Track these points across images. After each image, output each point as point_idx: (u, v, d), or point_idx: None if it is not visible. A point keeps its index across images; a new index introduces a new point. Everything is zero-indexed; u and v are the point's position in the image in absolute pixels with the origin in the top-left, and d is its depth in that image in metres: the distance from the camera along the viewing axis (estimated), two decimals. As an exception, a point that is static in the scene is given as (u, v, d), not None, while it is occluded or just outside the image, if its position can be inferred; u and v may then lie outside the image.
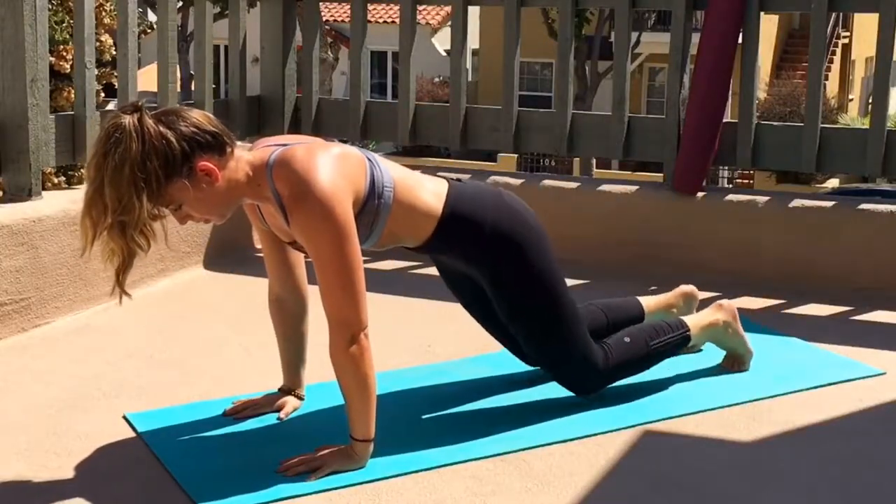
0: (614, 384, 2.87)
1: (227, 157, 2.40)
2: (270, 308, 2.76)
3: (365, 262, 4.19)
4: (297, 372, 2.79)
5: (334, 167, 2.41)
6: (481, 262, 2.69)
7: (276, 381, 2.82)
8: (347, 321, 2.40)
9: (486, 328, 2.95)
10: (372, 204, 2.51)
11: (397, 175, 2.58)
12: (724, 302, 3.08)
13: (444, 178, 2.71)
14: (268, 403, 2.76)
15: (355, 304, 2.40)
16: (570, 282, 4.00)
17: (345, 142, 2.56)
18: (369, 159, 2.54)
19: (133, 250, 2.37)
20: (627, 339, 2.86)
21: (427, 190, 2.62)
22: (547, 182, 4.36)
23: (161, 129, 2.31)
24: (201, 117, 2.39)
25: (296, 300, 2.73)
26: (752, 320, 3.41)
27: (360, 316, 2.41)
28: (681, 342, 2.95)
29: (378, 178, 2.51)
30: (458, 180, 2.71)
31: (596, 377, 2.81)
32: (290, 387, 2.79)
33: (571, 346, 2.75)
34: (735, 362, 3.09)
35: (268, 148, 2.49)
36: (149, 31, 20.90)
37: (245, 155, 2.46)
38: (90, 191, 2.31)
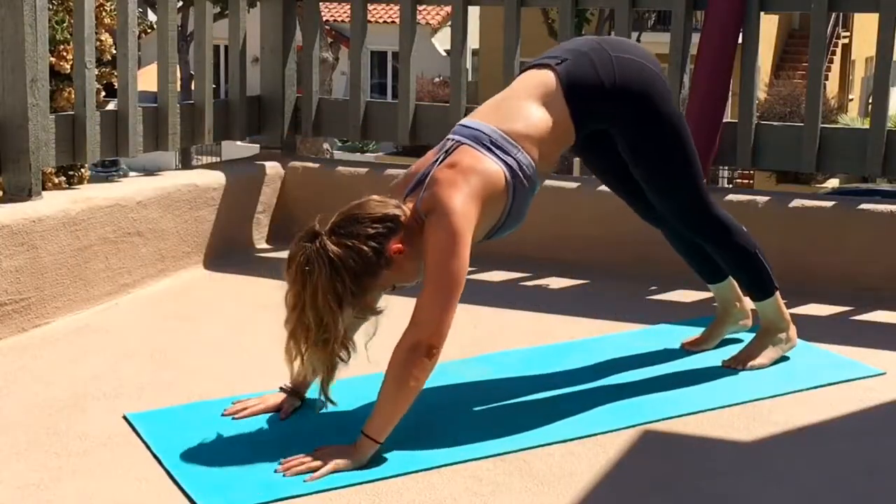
0: (612, 383, 2.87)
1: (404, 224, 2.54)
2: None
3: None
4: (310, 379, 2.79)
5: (470, 187, 2.55)
6: (615, 117, 2.81)
7: (275, 381, 2.82)
8: (425, 327, 2.47)
9: (610, 184, 3.11)
10: (519, 180, 2.65)
11: (519, 128, 2.68)
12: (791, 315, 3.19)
13: (547, 65, 2.78)
14: (268, 403, 2.76)
15: (440, 319, 2.48)
16: (569, 282, 4.04)
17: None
18: (491, 147, 2.63)
19: (335, 364, 2.54)
20: (745, 229, 3.04)
21: (544, 106, 2.72)
22: (547, 182, 4.35)
23: (346, 242, 2.46)
24: (376, 207, 2.53)
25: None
26: (752, 321, 3.41)
27: (440, 330, 2.48)
28: (769, 283, 3.07)
29: (512, 162, 2.64)
30: (562, 61, 2.78)
31: (704, 210, 2.95)
32: (294, 387, 2.79)
33: (693, 178, 2.90)
34: (745, 361, 3.09)
35: (416, 192, 2.61)
36: (149, 31, 20.90)
37: (408, 208, 2.58)
38: (292, 318, 2.49)
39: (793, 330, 3.15)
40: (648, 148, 2.87)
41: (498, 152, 2.64)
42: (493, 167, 2.62)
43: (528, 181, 2.68)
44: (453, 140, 2.69)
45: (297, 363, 2.53)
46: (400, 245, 2.51)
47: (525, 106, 2.74)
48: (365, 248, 2.46)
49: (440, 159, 2.64)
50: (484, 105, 2.83)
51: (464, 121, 2.77)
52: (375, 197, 2.57)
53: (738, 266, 3.07)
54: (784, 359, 3.15)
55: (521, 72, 2.90)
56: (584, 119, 2.77)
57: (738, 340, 3.25)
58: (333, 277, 2.43)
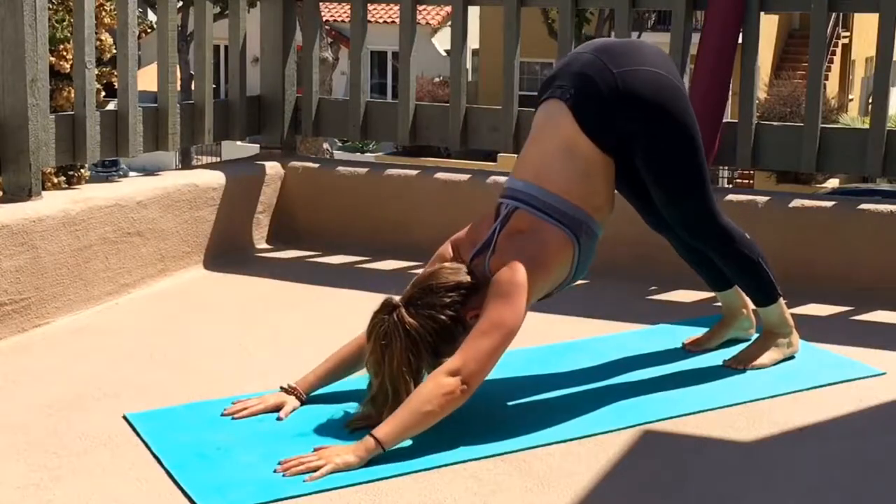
0: (612, 383, 2.86)
1: (476, 289, 2.63)
2: (352, 344, 2.81)
3: (365, 262, 4.22)
4: (319, 385, 2.80)
5: (535, 264, 2.64)
6: (630, 128, 2.81)
7: (276, 381, 2.82)
8: (470, 365, 2.53)
9: (624, 192, 3.10)
10: (585, 240, 2.75)
11: (561, 186, 2.73)
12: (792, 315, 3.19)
13: (559, 99, 2.80)
14: (268, 403, 2.76)
15: (485, 361, 2.55)
16: (570, 282, 4.03)
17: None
18: (546, 211, 2.71)
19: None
20: (748, 237, 3.06)
21: (569, 152, 2.76)
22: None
23: (423, 313, 2.56)
24: (448, 274, 2.62)
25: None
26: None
27: (480, 372, 2.55)
28: (772, 290, 3.09)
29: (569, 222, 2.71)
30: (570, 93, 2.78)
31: (710, 217, 2.97)
32: (296, 387, 2.79)
33: (701, 185, 2.92)
34: (746, 362, 3.09)
35: (479, 258, 2.70)
36: (149, 31, 20.90)
37: (478, 270, 2.67)
38: (375, 384, 2.59)
39: (795, 336, 3.16)
40: (660, 150, 2.87)
41: (555, 214, 2.71)
42: (555, 232, 2.69)
43: (589, 232, 2.75)
44: (507, 205, 2.76)
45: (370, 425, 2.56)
46: (475, 310, 2.60)
47: (560, 160, 2.77)
48: (443, 317, 2.58)
49: (498, 227, 2.72)
50: (521, 159, 2.86)
51: (510, 183, 2.82)
52: (447, 265, 2.67)
53: (742, 274, 3.08)
54: (784, 360, 3.15)
55: (537, 102, 2.92)
56: (610, 145, 2.79)
57: (739, 341, 3.25)
58: (409, 349, 2.55)
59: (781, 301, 3.11)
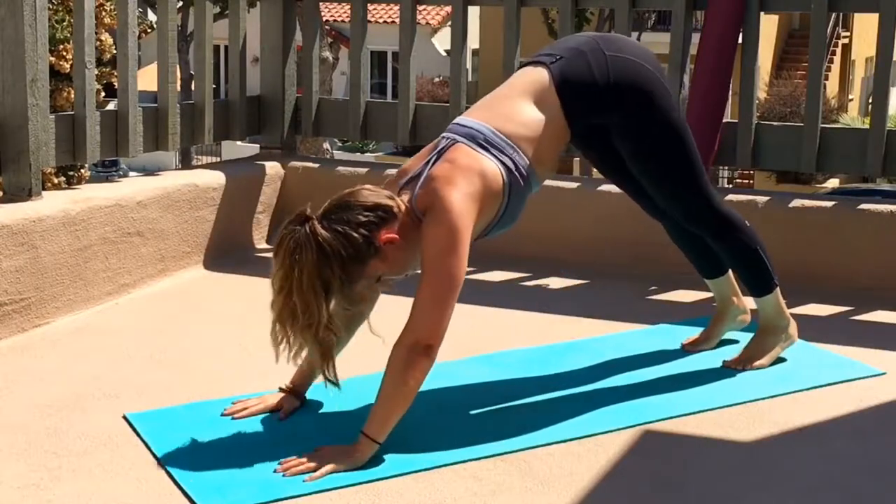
0: (612, 383, 2.86)
1: (397, 216, 2.52)
2: None
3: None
4: (311, 379, 2.79)
5: (468, 185, 2.54)
6: (610, 114, 2.80)
7: (275, 381, 2.82)
8: (422, 329, 2.47)
9: (614, 181, 3.11)
10: (515, 179, 2.65)
11: (514, 129, 2.68)
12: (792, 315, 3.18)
13: (541, 62, 2.78)
14: (268, 403, 2.76)
15: (438, 318, 2.48)
16: (569, 282, 4.04)
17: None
18: (486, 146, 2.63)
19: (328, 346, 2.52)
20: (748, 223, 3.04)
21: (538, 106, 2.72)
22: (547, 182, 4.34)
23: (336, 228, 2.45)
24: (367, 196, 2.52)
25: (351, 328, 2.74)
26: (752, 321, 3.41)
27: (437, 331, 2.48)
28: (769, 280, 3.07)
29: (508, 161, 2.64)
30: (556, 59, 2.77)
31: (709, 208, 2.95)
32: (294, 387, 2.79)
33: (696, 175, 2.90)
34: (745, 362, 3.09)
35: (410, 185, 2.61)
36: (149, 31, 20.89)
37: (404, 201, 2.58)
38: (279, 301, 2.46)
39: (793, 326, 3.14)
40: (647, 148, 2.86)
41: (494, 151, 2.64)
42: (489, 165, 2.61)
43: (524, 181, 2.68)
44: (448, 138, 2.68)
45: (282, 347, 2.50)
46: (391, 235, 2.50)
47: (519, 105, 2.73)
48: (355, 234, 2.46)
49: (434, 158, 2.64)
50: (478, 103, 2.83)
51: (458, 119, 2.77)
52: (368, 186, 2.57)
53: (740, 262, 3.08)
54: (784, 359, 3.15)
55: (518, 68, 2.90)
56: (577, 117, 2.77)
57: (738, 341, 3.25)
58: (321, 262, 2.42)
59: (778, 291, 3.10)
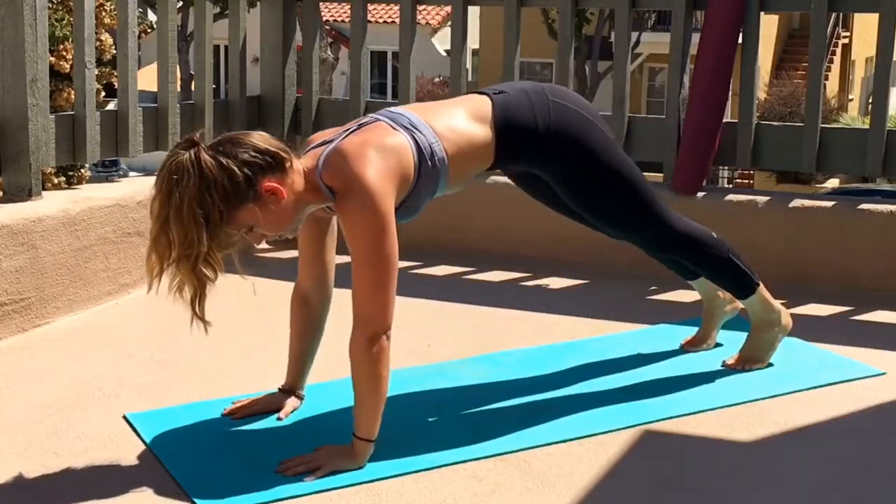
0: (612, 383, 2.86)
1: (288, 172, 2.44)
2: (293, 304, 2.77)
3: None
4: (303, 371, 2.79)
5: (380, 159, 2.46)
6: (544, 162, 2.74)
7: (276, 381, 2.82)
8: (372, 319, 2.42)
9: (560, 213, 3.01)
10: (426, 167, 2.55)
11: (440, 126, 2.60)
12: (791, 315, 3.16)
13: (485, 93, 2.74)
14: (267, 403, 2.76)
15: (383, 303, 2.43)
16: (569, 282, 4.04)
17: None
18: (408, 127, 2.56)
19: (203, 282, 2.43)
20: (714, 235, 3.01)
21: (471, 121, 2.65)
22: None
23: (220, 159, 2.36)
24: (259, 139, 2.43)
25: (321, 300, 2.74)
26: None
27: (385, 315, 2.43)
28: (748, 282, 3.05)
29: (423, 142, 2.55)
30: (500, 92, 2.73)
31: (668, 235, 2.91)
32: (291, 386, 2.79)
33: (649, 216, 2.86)
34: (744, 362, 3.09)
35: (317, 150, 2.53)
36: (149, 31, 20.89)
37: (302, 163, 2.50)
38: (155, 227, 2.37)
39: (784, 316, 3.12)
40: (588, 193, 2.80)
41: (413, 130, 2.56)
42: (401, 140, 2.53)
43: (434, 171, 2.56)
44: (371, 117, 2.62)
45: (160, 281, 2.41)
46: (276, 185, 2.40)
47: (454, 113, 2.67)
48: (238, 171, 2.35)
49: (352, 130, 2.56)
50: (415, 103, 2.77)
51: (390, 108, 2.70)
52: (265, 134, 2.48)
53: (715, 273, 3.07)
54: (784, 358, 3.15)
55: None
56: (507, 152, 2.68)
57: (737, 340, 3.25)
58: (202, 190, 2.32)
59: (761, 289, 3.08)
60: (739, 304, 3.20)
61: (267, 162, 2.40)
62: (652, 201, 2.86)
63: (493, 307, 3.70)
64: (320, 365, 2.81)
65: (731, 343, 3.25)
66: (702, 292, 3.23)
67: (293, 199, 2.45)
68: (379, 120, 2.59)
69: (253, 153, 2.39)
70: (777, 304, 3.11)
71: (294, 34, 4.71)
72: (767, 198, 4.09)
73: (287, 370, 2.80)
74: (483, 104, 2.69)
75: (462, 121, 2.64)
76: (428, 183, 2.57)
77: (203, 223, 2.34)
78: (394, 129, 2.55)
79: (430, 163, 2.55)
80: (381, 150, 2.48)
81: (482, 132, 2.64)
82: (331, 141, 2.53)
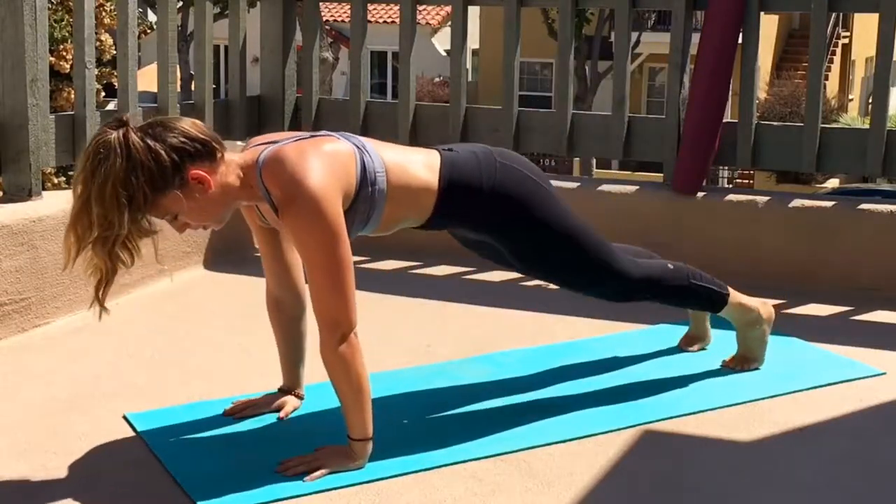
0: (612, 383, 2.86)
1: (218, 163, 2.40)
2: (269, 308, 2.76)
3: (365, 262, 4.22)
4: (297, 371, 2.79)
5: (324, 165, 2.41)
6: (488, 225, 2.70)
7: (276, 381, 2.82)
8: (337, 321, 2.40)
9: (504, 266, 2.94)
10: (366, 192, 2.50)
11: (389, 158, 2.57)
12: (771, 304, 3.12)
13: (435, 149, 2.71)
14: (267, 403, 2.76)
15: (345, 304, 2.41)
16: (570, 282, 4.03)
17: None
18: (358, 147, 2.53)
19: (115, 266, 2.38)
20: (671, 266, 2.95)
21: (420, 166, 2.61)
22: (547, 182, 4.35)
23: (148, 142, 2.31)
24: (189, 126, 2.39)
25: (293, 299, 2.73)
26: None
27: (349, 316, 2.41)
28: (716, 298, 3.00)
29: (369, 164, 2.51)
30: (450, 149, 2.70)
31: (626, 284, 2.84)
32: (290, 387, 2.79)
33: (602, 271, 2.79)
34: (741, 362, 3.09)
35: (258, 147, 2.49)
36: (149, 31, 20.90)
37: (236, 157, 2.46)
38: (76, 206, 2.32)
39: (763, 309, 3.07)
40: (535, 256, 2.76)
41: (362, 151, 2.52)
42: (348, 150, 2.49)
43: (371, 200, 2.51)
44: (324, 133, 2.58)
45: (75, 261, 2.36)
46: (203, 174, 2.36)
47: (407, 154, 2.64)
48: (165, 155, 2.30)
49: (301, 138, 2.52)
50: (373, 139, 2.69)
51: (345, 133, 2.65)
52: (198, 122, 2.44)
53: (683, 302, 3.04)
54: (784, 358, 3.15)
55: None
56: (446, 208, 2.62)
57: (736, 340, 3.25)
58: (128, 171, 2.27)
59: (731, 297, 3.03)
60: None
61: (196, 149, 2.36)
62: (604, 255, 2.79)
63: (493, 307, 3.70)
64: (320, 365, 2.81)
65: (731, 342, 3.25)
66: None
67: (220, 191, 2.41)
68: (330, 134, 2.56)
69: (182, 139, 2.35)
70: (752, 301, 3.07)
71: (294, 34, 4.71)
72: (767, 198, 4.08)
73: (282, 373, 2.80)
74: (433, 157, 2.65)
75: (412, 163, 2.60)
76: (361, 210, 2.51)
77: (125, 205, 2.29)
78: (343, 141, 2.53)
79: (369, 189, 2.50)
80: (323, 155, 2.44)
81: (428, 181, 2.59)
82: (275, 142, 2.49)
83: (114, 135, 2.30)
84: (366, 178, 2.49)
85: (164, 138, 2.33)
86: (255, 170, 2.43)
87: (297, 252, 2.45)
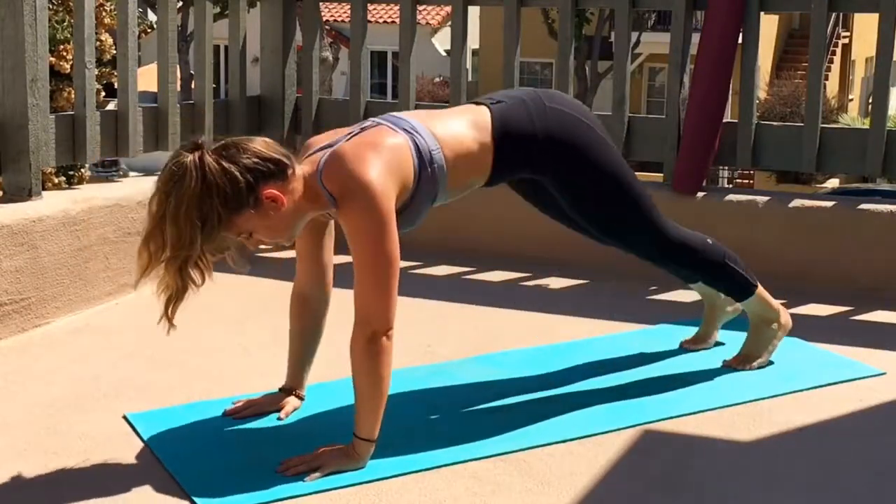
0: (612, 383, 2.86)
1: (289, 180, 2.44)
2: (292, 303, 2.77)
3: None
4: (303, 371, 2.79)
5: (380, 161, 2.45)
6: (545, 170, 2.74)
7: (276, 381, 2.82)
8: (373, 318, 2.42)
9: (559, 221, 3.01)
10: (426, 174, 2.55)
11: (440, 131, 2.60)
12: (791, 315, 3.16)
13: (483, 103, 2.73)
14: (268, 403, 2.76)
15: (382, 302, 2.42)
16: (569, 282, 4.04)
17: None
18: (408, 131, 2.56)
19: (186, 285, 2.46)
20: (710, 241, 3.01)
21: (471, 128, 2.65)
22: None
23: (223, 164, 2.36)
24: (262, 146, 2.43)
25: (320, 299, 2.74)
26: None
27: (385, 314, 2.43)
28: (746, 285, 3.05)
29: (423, 145, 2.55)
30: (498, 101, 2.73)
31: (666, 240, 2.90)
32: (292, 386, 2.79)
33: (644, 222, 2.85)
34: (743, 361, 3.09)
35: (316, 155, 2.52)
36: (149, 31, 20.90)
37: (302, 169, 2.49)
38: (150, 225, 2.38)
39: (783, 315, 3.12)
40: (586, 199, 2.80)
41: (413, 134, 2.56)
42: (401, 141, 2.53)
43: (433, 178, 2.56)
44: (373, 121, 2.62)
45: (146, 278, 2.42)
46: (276, 193, 2.40)
47: (456, 120, 2.67)
48: (240, 176, 2.35)
49: (353, 133, 2.56)
50: (418, 110, 2.78)
51: (392, 113, 2.70)
52: (269, 140, 2.48)
53: (712, 279, 3.07)
54: (784, 358, 3.15)
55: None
56: (505, 162, 2.68)
57: (738, 340, 3.25)
58: (203, 193, 2.32)
59: (759, 290, 3.08)
60: (739, 306, 3.21)
61: (269, 169, 2.40)
62: (648, 208, 2.86)
63: (493, 307, 3.70)
64: (321, 365, 2.81)
65: (732, 342, 3.25)
66: (702, 294, 3.23)
67: (293, 207, 2.46)
68: (380, 123, 2.60)
69: (256, 160, 2.39)
70: (776, 303, 3.11)
71: (294, 34, 4.71)
72: (767, 198, 4.09)
73: (287, 370, 2.80)
74: (482, 114, 2.69)
75: (463, 128, 2.65)
76: (427, 191, 2.57)
77: (199, 225, 2.34)
78: (394, 131, 2.56)
79: (429, 169, 2.55)
80: (379, 150, 2.48)
81: (482, 141, 2.65)
82: (330, 145, 2.53)
83: (189, 157, 2.35)
84: (423, 161, 2.54)
85: (238, 160, 2.38)
86: (317, 177, 2.47)
87: (349, 245, 2.46)
